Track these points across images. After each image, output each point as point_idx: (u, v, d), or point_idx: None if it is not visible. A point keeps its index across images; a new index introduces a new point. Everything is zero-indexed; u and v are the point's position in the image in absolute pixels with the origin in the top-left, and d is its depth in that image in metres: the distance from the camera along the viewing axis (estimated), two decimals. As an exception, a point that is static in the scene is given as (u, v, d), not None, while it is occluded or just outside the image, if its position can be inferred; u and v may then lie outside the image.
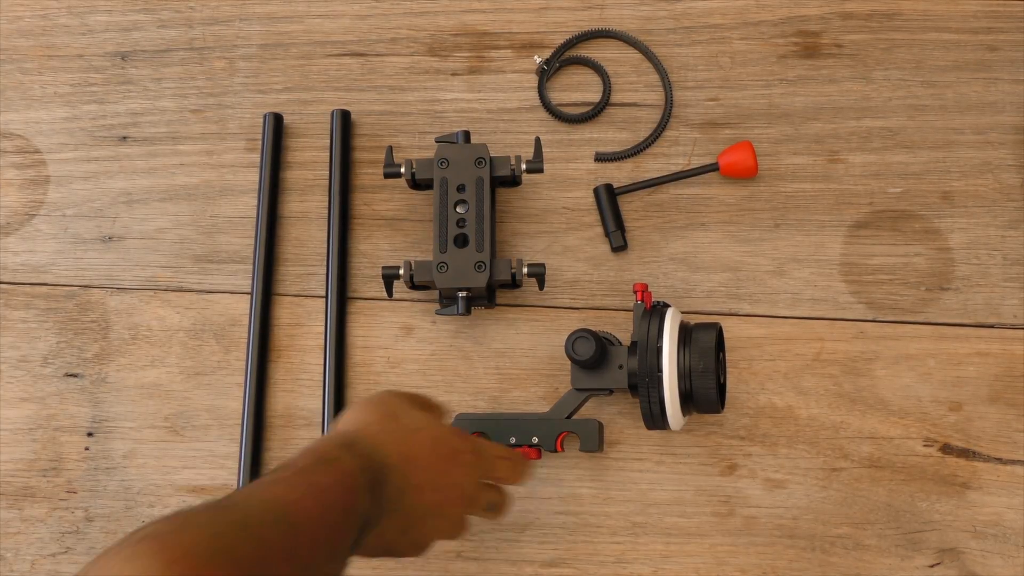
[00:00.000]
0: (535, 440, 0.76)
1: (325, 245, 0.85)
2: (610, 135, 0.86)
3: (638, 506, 0.79)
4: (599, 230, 0.84)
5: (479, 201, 0.78)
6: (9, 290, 0.86)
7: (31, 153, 0.89)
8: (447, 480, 0.65)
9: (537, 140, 0.81)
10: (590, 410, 0.79)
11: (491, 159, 0.79)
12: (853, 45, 0.87)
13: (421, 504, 0.63)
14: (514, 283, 0.79)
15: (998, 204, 0.83)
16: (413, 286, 0.79)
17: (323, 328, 0.83)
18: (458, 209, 0.78)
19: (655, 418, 0.72)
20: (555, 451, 0.76)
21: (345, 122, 0.87)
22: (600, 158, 0.86)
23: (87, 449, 0.83)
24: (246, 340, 0.83)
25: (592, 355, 0.72)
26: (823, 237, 0.83)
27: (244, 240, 0.86)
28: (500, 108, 0.87)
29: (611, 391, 0.75)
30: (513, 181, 0.81)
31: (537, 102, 0.87)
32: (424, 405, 0.70)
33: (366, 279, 0.84)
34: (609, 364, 0.74)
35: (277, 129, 0.87)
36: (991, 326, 0.81)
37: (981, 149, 0.84)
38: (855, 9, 0.87)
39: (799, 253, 0.83)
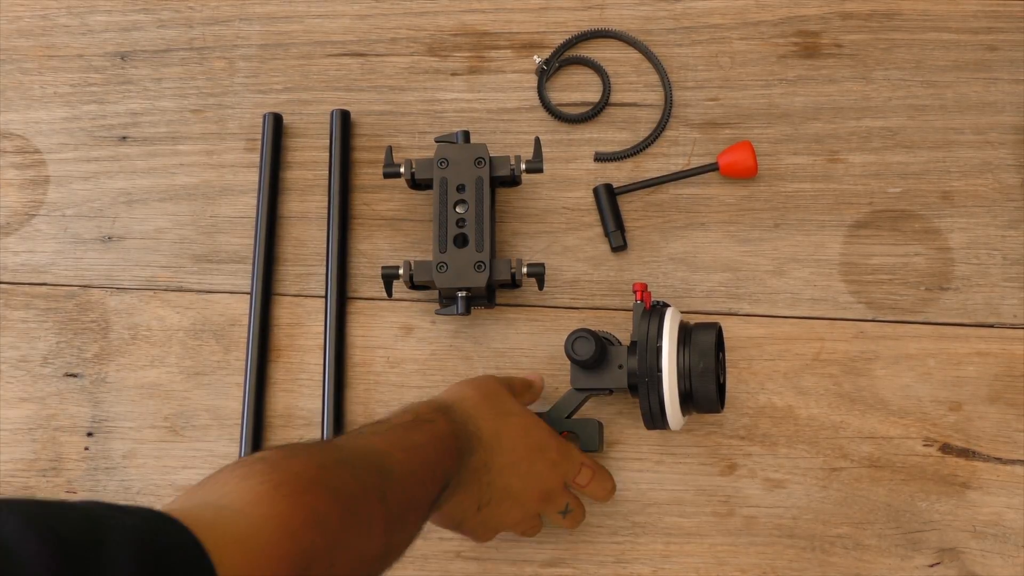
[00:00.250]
0: None
1: (325, 245, 0.85)
2: (610, 135, 0.86)
3: (638, 506, 0.79)
4: (599, 230, 0.84)
5: (479, 201, 0.78)
6: (9, 290, 0.86)
7: (31, 153, 0.89)
8: (530, 469, 0.68)
9: (537, 140, 0.81)
10: (590, 410, 0.79)
11: (491, 159, 0.79)
12: (853, 45, 0.87)
13: (501, 485, 0.66)
14: (514, 283, 0.79)
15: (998, 204, 0.83)
16: (413, 286, 0.79)
17: (323, 328, 0.83)
18: (458, 209, 0.78)
19: (655, 418, 0.72)
20: None
21: (345, 122, 0.87)
22: (600, 158, 0.86)
23: (87, 449, 0.83)
24: (246, 340, 0.83)
25: (592, 355, 0.72)
26: (823, 237, 0.83)
27: (244, 240, 0.86)
28: (500, 108, 0.87)
29: (611, 391, 0.74)
30: (513, 181, 0.81)
31: (537, 102, 0.87)
32: (520, 387, 0.74)
33: (366, 279, 0.84)
34: (609, 364, 0.74)
35: (277, 129, 0.87)
36: (991, 326, 0.81)
37: (981, 149, 0.84)
38: (855, 9, 0.87)
39: (799, 253, 0.83)
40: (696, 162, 0.85)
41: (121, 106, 0.89)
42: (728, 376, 0.79)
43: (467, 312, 0.78)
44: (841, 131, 0.85)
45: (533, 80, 0.88)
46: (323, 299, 0.84)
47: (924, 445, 0.79)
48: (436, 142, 0.81)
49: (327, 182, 0.86)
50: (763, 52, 0.87)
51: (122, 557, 0.38)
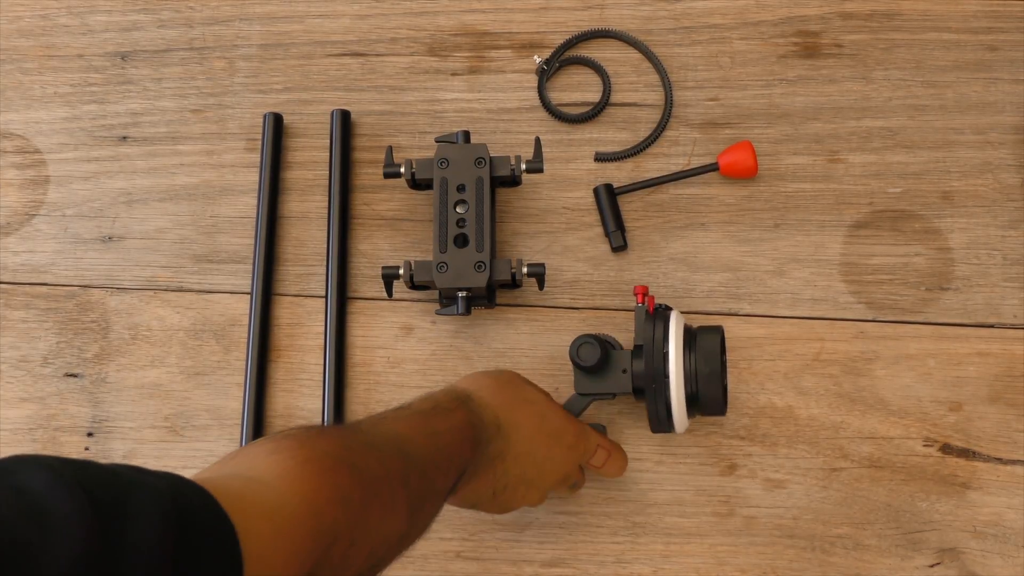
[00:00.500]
0: None
1: (325, 245, 0.85)
2: (610, 135, 0.86)
3: (638, 506, 0.79)
4: (599, 230, 0.84)
5: (479, 201, 0.78)
6: (9, 290, 0.86)
7: (31, 153, 0.89)
8: (547, 455, 0.69)
9: (537, 140, 0.81)
10: (590, 410, 0.79)
11: (491, 159, 0.79)
12: (853, 45, 0.87)
13: (517, 472, 0.67)
14: (514, 283, 0.79)
15: (998, 204, 0.83)
16: (413, 286, 0.79)
17: (323, 328, 0.83)
18: (458, 209, 0.78)
19: (661, 422, 0.72)
20: None
21: (345, 122, 0.87)
22: (600, 158, 0.86)
23: (87, 449, 0.83)
24: (246, 340, 0.83)
25: (597, 361, 0.72)
26: (823, 237, 0.83)
27: (244, 240, 0.86)
28: (500, 108, 0.87)
29: (614, 395, 0.75)
30: (513, 181, 0.81)
31: (537, 102, 0.87)
32: (539, 389, 0.74)
33: (366, 279, 0.84)
34: (612, 368, 0.74)
35: (277, 129, 0.87)
36: (991, 326, 0.81)
37: (981, 149, 0.84)
38: (855, 9, 0.87)
39: (799, 253, 0.83)
40: (696, 162, 0.85)
41: (121, 106, 0.89)
42: (728, 377, 0.79)
43: (467, 312, 0.78)
44: (841, 131, 0.85)
45: (533, 80, 0.88)
46: (323, 299, 0.84)
47: (924, 445, 0.79)
48: (436, 142, 0.81)
49: (327, 182, 0.86)
50: (763, 52, 0.87)
51: (147, 515, 0.38)
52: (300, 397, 0.83)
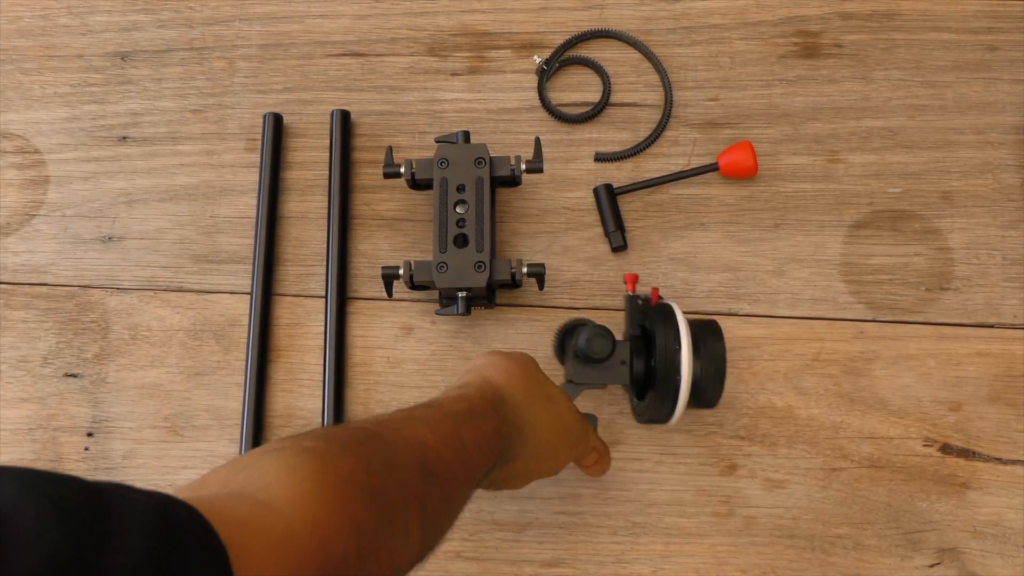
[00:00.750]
0: None
1: (325, 245, 0.85)
2: (610, 135, 0.86)
3: (638, 506, 0.79)
4: (599, 230, 0.84)
5: (479, 201, 0.78)
6: (9, 290, 0.86)
7: (31, 153, 0.89)
8: (553, 452, 0.69)
9: (537, 140, 0.81)
10: (589, 405, 0.79)
11: (491, 159, 0.79)
12: (853, 45, 0.87)
13: (522, 467, 0.66)
14: (514, 283, 0.79)
15: (998, 204, 0.83)
16: (413, 286, 0.79)
17: (323, 328, 0.83)
18: (458, 209, 0.78)
19: (661, 417, 0.72)
20: None
21: (345, 122, 0.87)
22: (600, 158, 0.86)
23: (87, 449, 0.83)
24: (246, 340, 0.83)
25: (608, 354, 0.71)
26: (823, 237, 0.83)
27: (244, 240, 0.86)
28: (500, 108, 0.87)
29: (605, 385, 0.74)
30: (513, 181, 0.81)
31: (537, 102, 0.87)
32: (554, 384, 0.73)
33: (366, 279, 0.84)
34: (612, 360, 0.73)
35: (277, 129, 0.87)
36: (991, 326, 0.81)
37: (981, 149, 0.84)
38: (855, 9, 0.87)
39: (799, 253, 0.83)
40: (696, 162, 0.85)
41: (121, 106, 0.89)
42: (728, 376, 0.79)
43: (467, 312, 0.78)
44: (841, 131, 0.85)
45: (533, 80, 0.88)
46: (323, 299, 0.84)
47: (924, 445, 0.79)
48: (436, 142, 0.81)
49: (327, 182, 0.86)
50: (763, 52, 0.87)
51: (128, 533, 0.36)
52: (300, 397, 0.83)
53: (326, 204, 0.86)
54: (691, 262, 0.83)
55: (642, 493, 0.79)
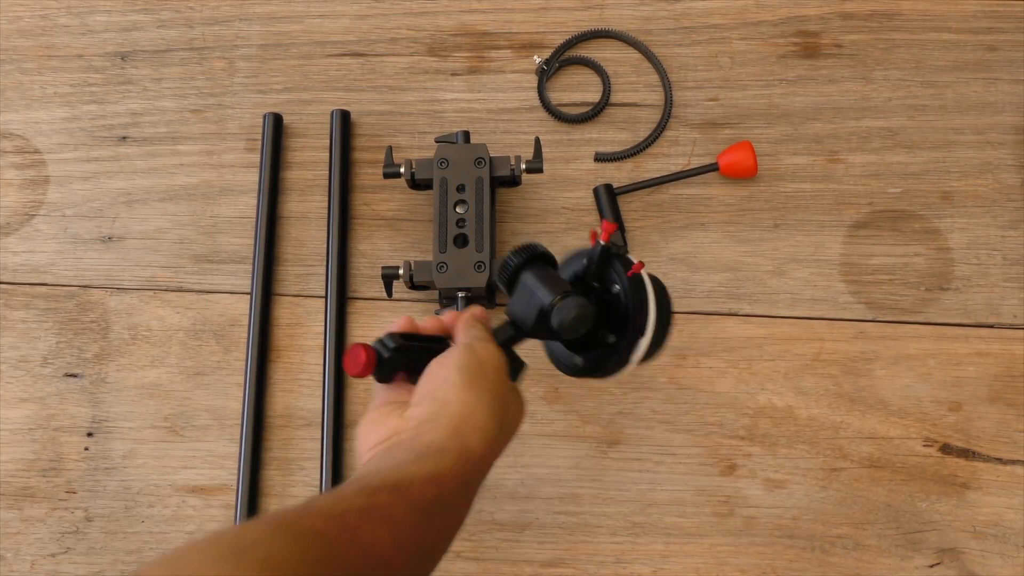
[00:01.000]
0: None
1: (325, 245, 0.85)
2: (610, 135, 0.86)
3: (638, 506, 0.79)
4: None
5: (479, 201, 0.78)
6: (9, 290, 0.86)
7: (31, 153, 0.89)
8: (505, 443, 0.60)
9: (537, 140, 0.81)
10: (590, 400, 0.79)
11: (491, 159, 0.79)
12: (853, 45, 0.87)
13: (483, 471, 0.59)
14: (514, 283, 0.79)
15: (998, 204, 0.83)
16: (413, 286, 0.79)
17: (323, 328, 0.83)
18: (458, 209, 0.78)
19: (613, 368, 0.64)
20: None
21: (345, 122, 0.87)
22: (600, 158, 0.86)
23: (87, 449, 0.83)
24: (246, 340, 0.83)
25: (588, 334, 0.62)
26: (823, 237, 0.83)
27: (244, 240, 0.86)
28: (500, 108, 0.87)
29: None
30: (513, 181, 0.81)
31: (537, 102, 0.87)
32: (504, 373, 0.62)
33: (366, 279, 0.84)
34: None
35: (277, 129, 0.87)
36: (991, 326, 0.81)
37: (981, 149, 0.84)
38: (855, 9, 0.87)
39: (799, 253, 0.83)
40: (696, 162, 0.85)
41: (121, 106, 0.89)
42: (728, 376, 0.79)
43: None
44: (841, 131, 0.85)
45: (533, 80, 0.88)
46: (323, 299, 0.84)
47: (924, 445, 0.79)
48: (436, 142, 0.81)
49: (327, 182, 0.86)
50: (763, 52, 0.87)
51: None
52: (300, 397, 0.83)
53: (326, 204, 0.86)
54: (691, 262, 0.83)
55: (642, 493, 0.79)
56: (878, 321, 0.82)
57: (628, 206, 0.84)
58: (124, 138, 0.89)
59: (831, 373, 0.81)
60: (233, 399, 0.82)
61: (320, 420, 0.81)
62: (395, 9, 0.90)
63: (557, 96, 0.87)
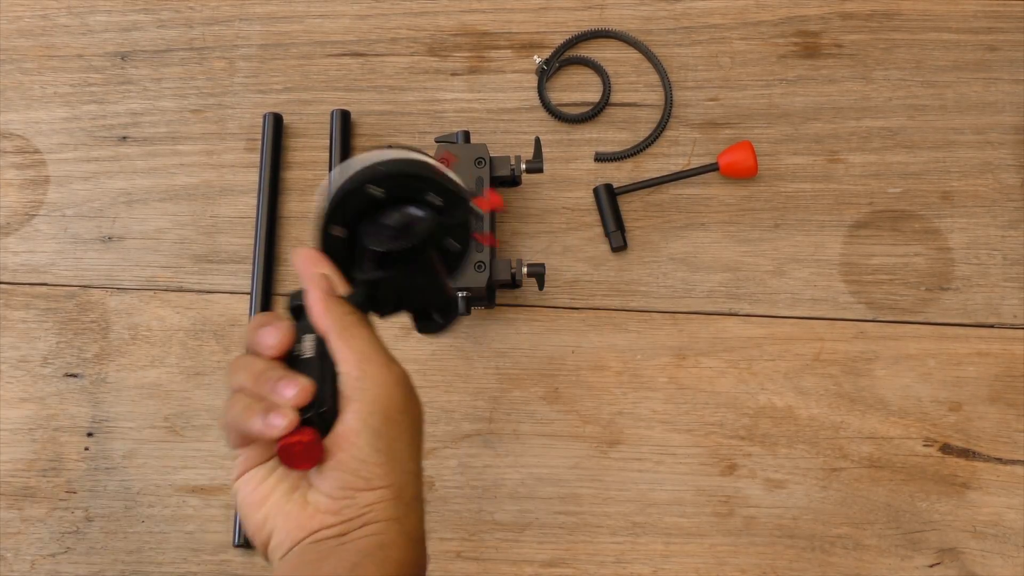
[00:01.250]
0: None
1: (325, 245, 0.85)
2: (610, 135, 0.86)
3: (638, 506, 0.79)
4: (599, 230, 0.84)
5: (479, 201, 0.78)
6: (9, 290, 0.86)
7: (31, 153, 0.89)
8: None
9: (537, 140, 0.81)
10: (590, 400, 0.79)
11: (491, 159, 0.79)
12: (853, 45, 0.87)
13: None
14: (514, 283, 0.79)
15: (998, 204, 0.83)
16: (413, 286, 0.79)
17: (323, 328, 0.83)
18: (458, 209, 0.78)
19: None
20: None
21: (345, 122, 0.87)
22: (600, 158, 0.86)
23: (87, 449, 0.83)
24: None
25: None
26: (823, 237, 0.83)
27: (244, 240, 0.86)
28: (500, 108, 0.87)
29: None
30: (513, 181, 0.81)
31: (537, 102, 0.87)
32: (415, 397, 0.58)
33: (366, 279, 0.84)
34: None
35: (277, 129, 0.87)
36: (991, 326, 0.81)
37: (981, 149, 0.84)
38: (855, 9, 0.87)
39: (799, 253, 0.83)
40: (696, 162, 0.85)
41: (121, 106, 0.89)
42: (728, 376, 0.79)
43: (467, 312, 0.78)
44: (841, 131, 0.85)
45: (533, 80, 0.88)
46: (323, 299, 0.84)
47: (924, 445, 0.79)
48: (436, 142, 0.81)
49: (327, 182, 0.86)
50: (763, 52, 0.87)
51: None
52: (300, 397, 0.82)
53: (326, 204, 0.86)
54: (691, 262, 0.83)
55: (642, 493, 0.79)
56: (878, 321, 0.82)
57: (628, 206, 0.84)
58: (124, 138, 0.89)
59: (831, 373, 0.81)
60: (233, 399, 0.82)
61: (320, 420, 0.81)
62: (395, 9, 0.90)
63: (557, 96, 0.87)
